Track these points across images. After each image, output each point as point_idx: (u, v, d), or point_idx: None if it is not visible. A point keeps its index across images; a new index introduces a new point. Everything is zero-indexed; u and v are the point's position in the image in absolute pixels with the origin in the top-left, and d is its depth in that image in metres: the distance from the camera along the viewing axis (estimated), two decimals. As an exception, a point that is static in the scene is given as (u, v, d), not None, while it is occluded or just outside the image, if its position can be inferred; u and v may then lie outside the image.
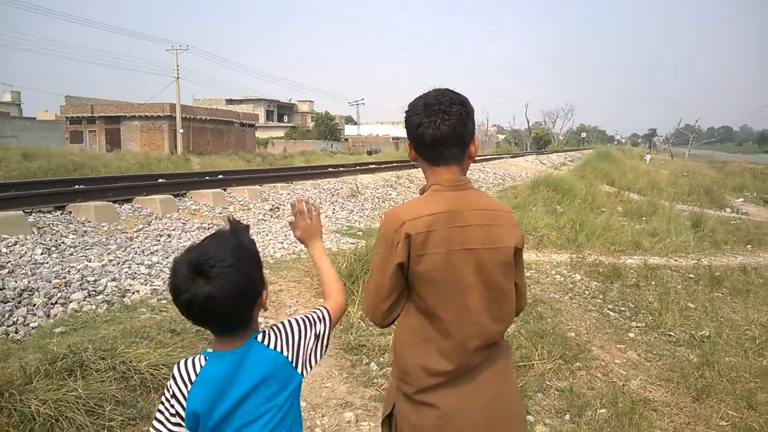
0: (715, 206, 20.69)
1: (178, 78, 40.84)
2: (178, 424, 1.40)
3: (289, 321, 1.52)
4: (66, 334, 3.88)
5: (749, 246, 12.45)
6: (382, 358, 4.27)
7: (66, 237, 6.92)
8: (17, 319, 4.33)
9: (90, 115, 44.20)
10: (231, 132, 49.88)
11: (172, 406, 1.40)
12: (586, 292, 7.06)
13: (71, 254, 6.16)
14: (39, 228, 7.03)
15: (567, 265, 8.12)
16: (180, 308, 1.37)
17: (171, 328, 4.03)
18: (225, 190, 11.07)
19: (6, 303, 4.54)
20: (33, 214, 7.62)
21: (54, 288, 4.93)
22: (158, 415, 1.42)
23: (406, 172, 17.80)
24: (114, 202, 8.73)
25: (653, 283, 7.71)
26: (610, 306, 6.61)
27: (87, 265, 5.69)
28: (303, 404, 3.52)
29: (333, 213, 11.17)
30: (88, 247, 6.55)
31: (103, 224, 7.75)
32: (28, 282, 5.00)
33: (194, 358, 1.43)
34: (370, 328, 4.68)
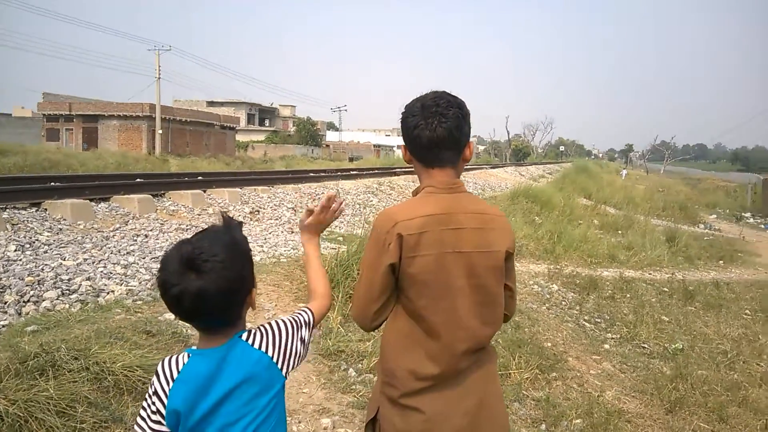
0: (689, 222, 21.10)
1: (159, 78, 40.43)
2: (159, 422, 1.37)
3: (276, 322, 1.50)
4: (38, 332, 3.79)
5: (721, 261, 12.72)
6: (360, 364, 4.25)
7: (41, 234, 6.78)
8: (-13, 317, 4.22)
9: (68, 113, 43.47)
10: (211, 134, 49.42)
11: (153, 403, 1.37)
12: (563, 302, 7.13)
13: (46, 252, 6.05)
14: (13, 224, 6.88)
15: (544, 275, 8.20)
16: (169, 303, 1.34)
17: (146, 330, 3.96)
18: (204, 191, 10.97)
19: (-24, 300, 4.43)
20: (7, 210, 7.46)
21: (27, 286, 4.83)
22: (141, 413, 1.40)
23: (388, 179, 17.84)
24: (91, 200, 8.59)
25: (628, 295, 7.82)
26: (586, 317, 6.68)
27: (61, 264, 5.58)
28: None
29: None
30: (63, 245, 6.43)
31: (79, 222, 7.61)
32: (0, 279, 4.88)
33: (178, 355, 1.40)
34: (349, 333, 4.66)
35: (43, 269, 5.33)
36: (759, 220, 26.46)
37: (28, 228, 6.93)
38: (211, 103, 66.43)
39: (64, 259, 5.78)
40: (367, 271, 1.67)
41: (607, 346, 5.76)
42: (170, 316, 4.34)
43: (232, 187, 11.97)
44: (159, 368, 1.39)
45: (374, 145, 74.57)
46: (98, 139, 42.47)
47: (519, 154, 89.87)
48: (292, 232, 9.41)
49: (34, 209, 7.86)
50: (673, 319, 6.91)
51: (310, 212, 1.78)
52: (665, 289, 8.51)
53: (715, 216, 27.11)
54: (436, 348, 1.64)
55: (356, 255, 5.51)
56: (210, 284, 1.30)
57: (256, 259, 6.80)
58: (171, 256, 1.34)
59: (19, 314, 4.35)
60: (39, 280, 4.99)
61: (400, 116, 1.73)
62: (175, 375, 1.36)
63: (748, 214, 28.26)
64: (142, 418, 1.39)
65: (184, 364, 1.38)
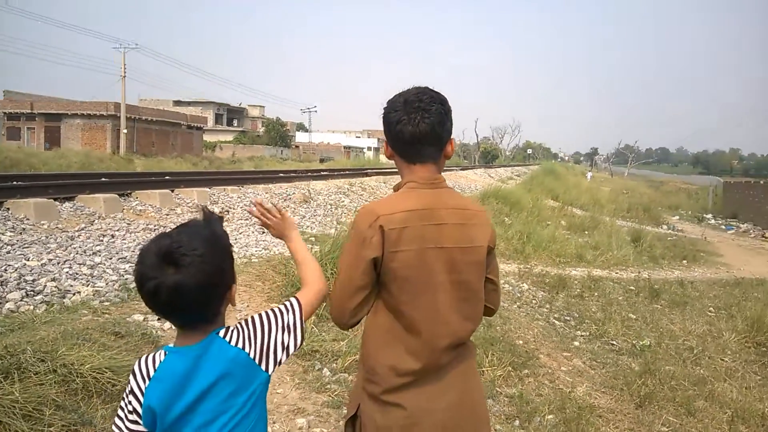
0: (652, 223, 21.58)
1: (124, 77, 39.64)
2: (136, 422, 1.35)
3: (253, 317, 1.46)
4: (2, 334, 3.66)
5: (685, 261, 13.04)
6: (335, 364, 4.23)
7: (3, 234, 6.57)
8: (-53, 319, 4.07)
9: (29, 111, 42.31)
10: (177, 134, 48.63)
11: (130, 402, 1.35)
12: (533, 301, 7.22)
13: (8, 252, 5.86)
14: (-28, 224, 6.66)
15: (515, 274, 8.29)
16: (145, 297, 1.31)
17: (115, 331, 3.87)
18: (173, 191, 10.77)
19: (-65, 302, 4.27)
20: (-35, 209, 7.22)
21: (-12, 287, 4.67)
22: (119, 412, 1.37)
23: (359, 180, 17.81)
24: (55, 199, 8.36)
25: (596, 294, 7.97)
26: (556, 315, 6.78)
27: (25, 264, 5.42)
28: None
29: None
30: (26, 245, 6.24)
31: (42, 222, 7.40)
32: (-40, 280, 4.72)
33: (154, 353, 1.38)
34: (323, 333, 4.63)
35: (6, 270, 5.17)
36: (720, 222, 27.25)
37: (-11, 228, 6.71)
38: (178, 103, 65.36)
39: (28, 260, 5.61)
40: (346, 267, 1.65)
41: (576, 344, 5.84)
42: (139, 317, 4.25)
43: (200, 186, 11.79)
44: (135, 367, 1.36)
45: (344, 147, 74.37)
46: (61, 139, 41.42)
47: (487, 156, 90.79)
48: (263, 233, 9.31)
49: (-5, 209, 7.61)
50: (640, 317, 7.05)
51: (264, 225, 1.75)
52: (632, 287, 8.69)
53: (677, 217, 27.83)
54: (417, 343, 1.64)
55: (329, 255, 5.48)
56: (188, 278, 1.27)
57: (227, 259, 6.72)
58: (149, 250, 1.31)
59: (-19, 316, 4.21)
60: (2, 281, 4.84)
61: (383, 111, 1.72)
62: (152, 373, 1.34)
63: (709, 216, 29.11)
64: (120, 418, 1.37)
65: (160, 362, 1.35)
